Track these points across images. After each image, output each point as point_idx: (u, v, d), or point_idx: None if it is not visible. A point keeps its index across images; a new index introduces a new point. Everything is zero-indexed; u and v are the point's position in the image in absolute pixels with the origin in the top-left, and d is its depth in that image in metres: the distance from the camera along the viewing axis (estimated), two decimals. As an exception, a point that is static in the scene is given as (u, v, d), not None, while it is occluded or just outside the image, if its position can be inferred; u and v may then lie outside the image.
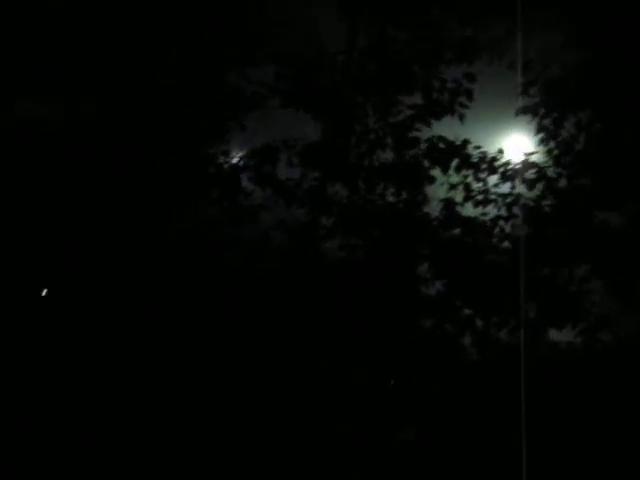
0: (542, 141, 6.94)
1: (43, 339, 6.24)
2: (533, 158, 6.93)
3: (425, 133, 7.12)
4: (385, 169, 7.11)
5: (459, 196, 7.02)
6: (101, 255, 6.53)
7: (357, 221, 7.05)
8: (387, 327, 6.85)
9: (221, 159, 7.25)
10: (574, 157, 6.90)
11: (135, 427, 6.07)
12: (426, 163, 7.01)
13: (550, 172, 6.91)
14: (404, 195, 7.06)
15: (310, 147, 7.14)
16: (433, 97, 7.02)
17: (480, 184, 7.00)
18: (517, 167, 6.95)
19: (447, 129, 7.11)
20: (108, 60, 7.13)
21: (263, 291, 6.78)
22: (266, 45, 7.15)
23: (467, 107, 6.97)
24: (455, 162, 6.92)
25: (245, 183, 7.17)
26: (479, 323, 7.01)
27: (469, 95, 7.02)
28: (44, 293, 6.50)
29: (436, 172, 7.06)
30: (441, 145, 7.05)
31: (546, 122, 6.92)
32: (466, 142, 7.01)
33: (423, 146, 7.04)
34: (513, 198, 6.94)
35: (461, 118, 6.99)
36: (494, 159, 6.96)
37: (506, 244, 7.00)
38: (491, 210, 7.00)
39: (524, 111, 7.02)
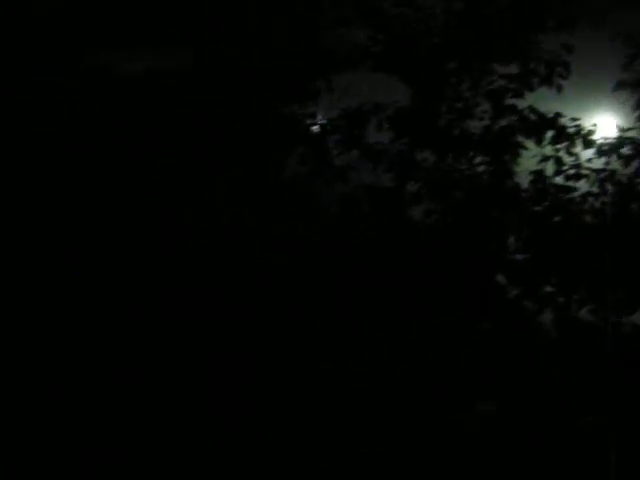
0: (640, 117, 6.80)
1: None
2: (630, 134, 6.78)
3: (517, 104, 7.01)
4: (475, 137, 7.01)
5: (550, 169, 6.89)
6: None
7: (444, 188, 6.96)
8: (469, 294, 6.78)
9: (309, 120, 7.23)
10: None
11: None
12: (519, 133, 6.88)
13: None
14: (493, 165, 6.95)
15: (400, 112, 7.07)
16: (530, 67, 6.89)
17: (573, 158, 6.87)
18: (613, 142, 6.80)
19: (539, 102, 7.00)
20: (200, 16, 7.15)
21: (348, 254, 6.75)
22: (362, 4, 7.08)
23: (565, 78, 6.82)
24: (550, 134, 6.79)
25: (333, 145, 7.13)
26: (561, 300, 6.90)
27: (566, 67, 6.87)
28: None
29: (527, 144, 6.95)
30: (533, 117, 6.93)
31: (646, 98, 6.77)
32: (559, 115, 6.88)
33: (517, 116, 6.91)
34: (606, 174, 6.80)
35: (559, 90, 6.84)
36: (590, 133, 6.81)
37: (595, 221, 6.88)
38: (582, 185, 6.87)
39: (622, 86, 6.86)
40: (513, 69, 6.99)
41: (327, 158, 7.11)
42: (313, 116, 7.28)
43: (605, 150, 6.80)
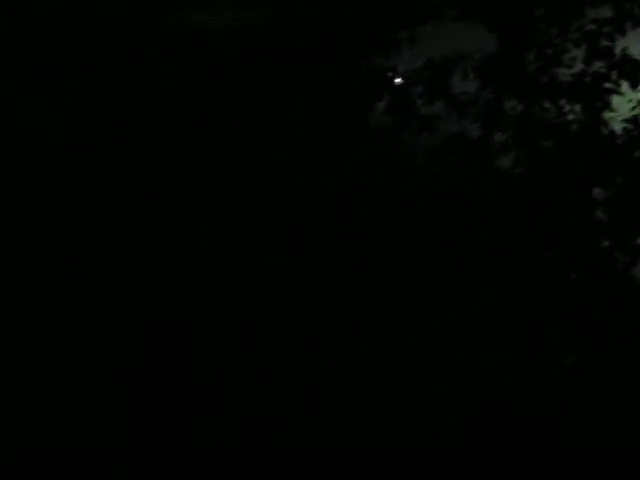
0: None
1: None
2: None
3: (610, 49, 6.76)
4: (565, 85, 6.80)
5: (646, 115, 6.66)
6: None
7: (533, 137, 6.79)
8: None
9: (393, 72, 7.13)
10: None
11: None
12: (612, 78, 6.64)
13: None
14: (584, 112, 6.74)
15: (486, 60, 6.90)
16: (624, 8, 6.63)
17: (672, 103, 6.62)
18: None
19: (633, 46, 6.76)
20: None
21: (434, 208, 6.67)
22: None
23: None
24: (647, 77, 6.55)
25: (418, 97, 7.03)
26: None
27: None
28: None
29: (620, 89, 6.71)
30: (626, 61, 6.68)
31: None
32: (652, 59, 6.63)
33: (609, 61, 6.67)
34: None
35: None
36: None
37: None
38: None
39: None
40: (606, 12, 6.75)
41: (412, 109, 7.01)
42: (397, 68, 7.18)
43: None
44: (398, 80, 7.12)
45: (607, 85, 6.65)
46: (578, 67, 6.77)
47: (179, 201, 6.45)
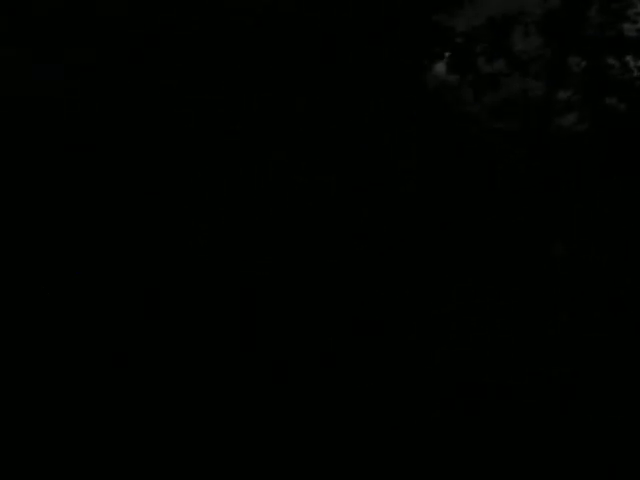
0: None
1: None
2: None
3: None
4: (631, 40, 6.70)
5: None
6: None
7: (597, 95, 6.73)
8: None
9: (455, 30, 7.06)
10: None
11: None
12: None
13: None
14: (650, 68, 6.66)
15: (549, 16, 6.81)
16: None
17: None
18: None
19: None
20: None
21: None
22: None
23: None
24: None
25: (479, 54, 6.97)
26: None
27: None
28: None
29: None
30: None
31: None
32: None
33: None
34: None
35: None
36: None
37: None
38: None
39: None
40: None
41: (474, 68, 6.97)
42: (459, 25, 7.11)
43: None
44: (461, 37, 7.07)
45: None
46: (643, 20, 6.67)
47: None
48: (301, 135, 6.44)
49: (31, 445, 5.46)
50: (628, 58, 6.69)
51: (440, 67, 7.05)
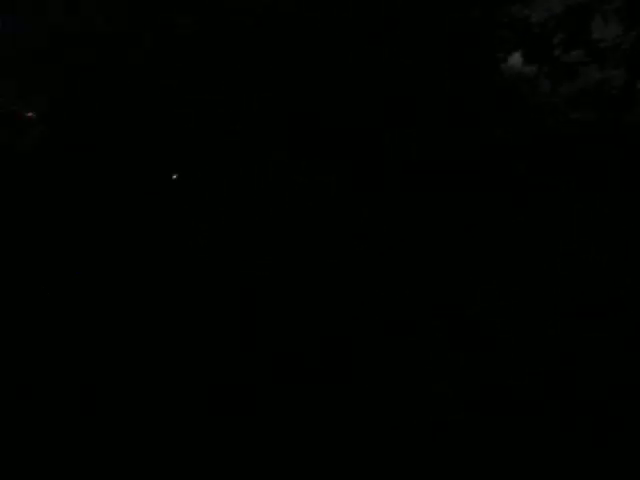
0: None
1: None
2: None
3: None
4: None
5: None
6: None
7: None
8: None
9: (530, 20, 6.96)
10: None
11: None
12: None
13: None
14: None
15: (629, 3, 6.54)
16: None
17: None
18: None
19: None
20: None
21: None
22: None
23: None
24: None
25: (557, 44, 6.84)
26: None
27: None
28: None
29: None
30: None
31: None
32: None
33: None
34: None
35: None
36: None
37: None
38: None
39: None
40: None
41: (551, 58, 6.87)
42: (534, 15, 7.00)
43: None
44: (537, 27, 6.95)
45: None
46: None
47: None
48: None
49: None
50: None
51: (516, 59, 7.01)
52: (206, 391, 5.67)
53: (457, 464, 5.33)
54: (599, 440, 5.21)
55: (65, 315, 6.12)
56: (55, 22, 6.65)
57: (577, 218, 6.47)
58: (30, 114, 6.69)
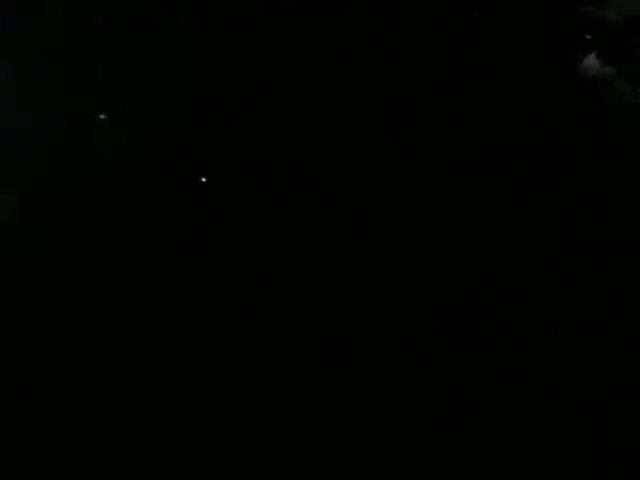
0: None
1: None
2: None
3: None
4: None
5: None
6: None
7: None
8: None
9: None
10: None
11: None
12: None
13: None
14: None
15: None
16: None
17: None
18: None
19: None
20: None
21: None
22: None
23: None
24: None
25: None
26: None
27: None
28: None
29: None
30: None
31: None
32: None
33: None
34: None
35: None
36: None
37: None
38: None
39: None
40: None
41: (631, 58, 6.80)
42: (610, 15, 6.95)
43: None
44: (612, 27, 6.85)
45: None
46: None
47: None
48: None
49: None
50: None
51: (593, 59, 6.93)
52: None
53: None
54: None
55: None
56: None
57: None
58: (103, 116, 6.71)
